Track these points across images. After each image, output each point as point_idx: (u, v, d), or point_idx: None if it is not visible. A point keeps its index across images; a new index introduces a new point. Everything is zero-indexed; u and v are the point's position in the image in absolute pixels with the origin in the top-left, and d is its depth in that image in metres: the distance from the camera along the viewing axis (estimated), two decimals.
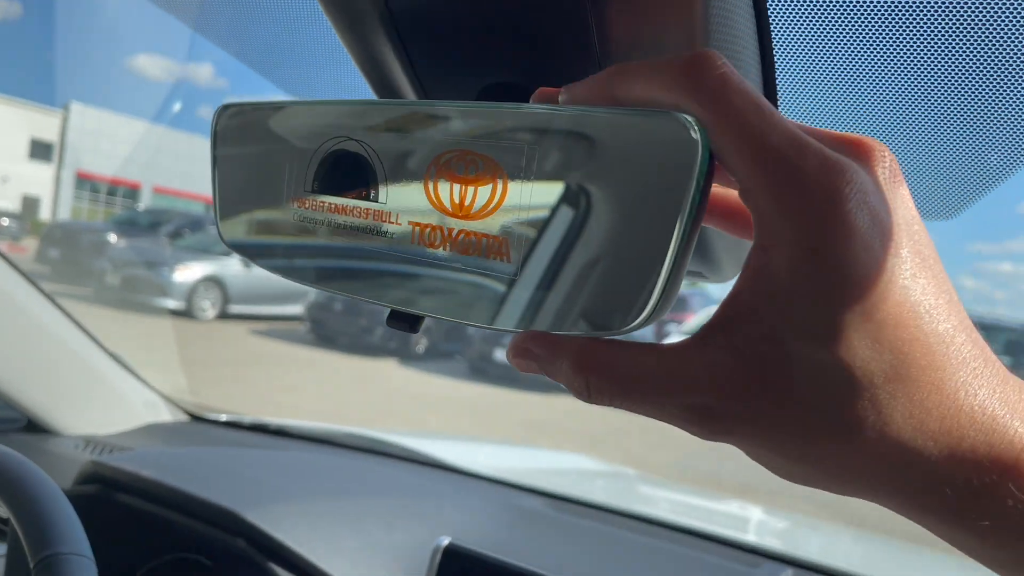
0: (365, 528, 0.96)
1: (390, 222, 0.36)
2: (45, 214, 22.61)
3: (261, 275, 11.17)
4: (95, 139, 23.81)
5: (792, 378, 0.26)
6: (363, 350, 10.06)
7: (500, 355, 9.54)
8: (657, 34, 0.38)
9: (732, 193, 0.34)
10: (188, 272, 10.41)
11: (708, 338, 0.28)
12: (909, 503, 0.28)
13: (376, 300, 0.38)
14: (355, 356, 9.82)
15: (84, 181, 24.03)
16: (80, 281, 10.81)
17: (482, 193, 0.33)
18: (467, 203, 0.33)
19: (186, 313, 10.21)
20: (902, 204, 0.28)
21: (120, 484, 0.98)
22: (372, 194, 0.36)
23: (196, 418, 1.49)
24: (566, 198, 0.31)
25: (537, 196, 0.31)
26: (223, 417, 1.52)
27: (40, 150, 23.70)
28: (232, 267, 10.87)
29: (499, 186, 0.32)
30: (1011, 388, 0.27)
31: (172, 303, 10.14)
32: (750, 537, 1.28)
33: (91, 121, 23.91)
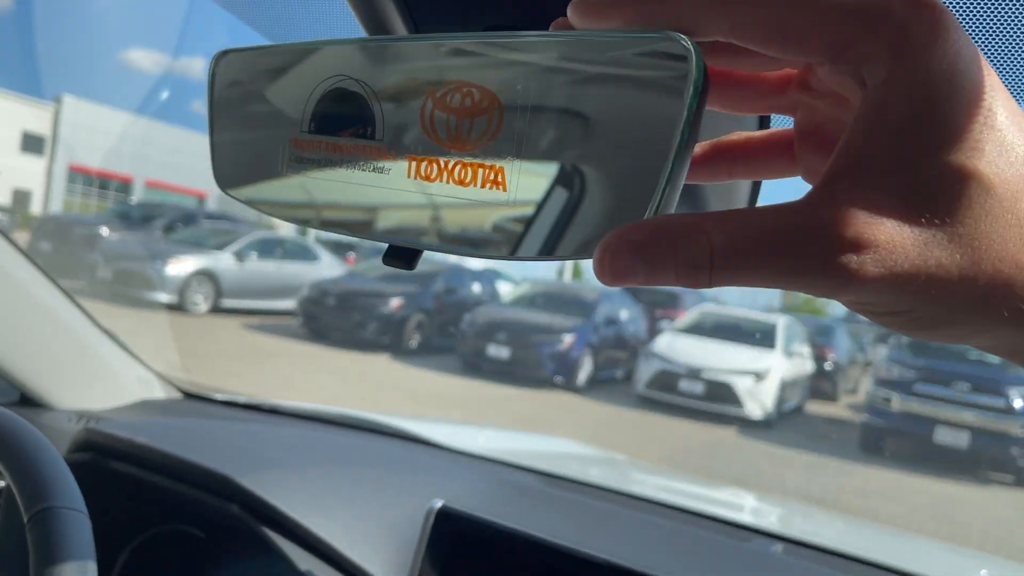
0: (359, 497, 0.96)
1: (387, 158, 0.36)
2: (36, 208, 22.51)
3: (254, 269, 11.16)
4: (87, 133, 23.72)
5: (948, 194, 0.25)
6: (356, 345, 10.04)
7: (493, 350, 9.53)
8: None
9: (755, 136, 0.35)
10: (181, 266, 10.38)
11: (828, 190, 0.26)
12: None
13: (374, 237, 0.38)
14: (347, 351, 9.81)
15: (76, 175, 23.94)
16: (72, 274, 10.77)
17: (478, 124, 0.33)
18: (463, 135, 0.33)
19: (178, 307, 10.19)
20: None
21: (114, 451, 0.98)
22: (369, 131, 0.37)
23: (190, 395, 1.49)
24: (563, 122, 0.31)
25: (534, 122, 0.32)
26: (217, 396, 1.52)
27: (32, 143, 23.59)
28: (225, 261, 10.85)
29: (495, 115, 0.32)
30: None
31: (164, 296, 10.11)
32: (742, 517, 1.28)
33: (83, 114, 23.82)
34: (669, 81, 0.28)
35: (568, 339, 9.58)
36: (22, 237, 12.36)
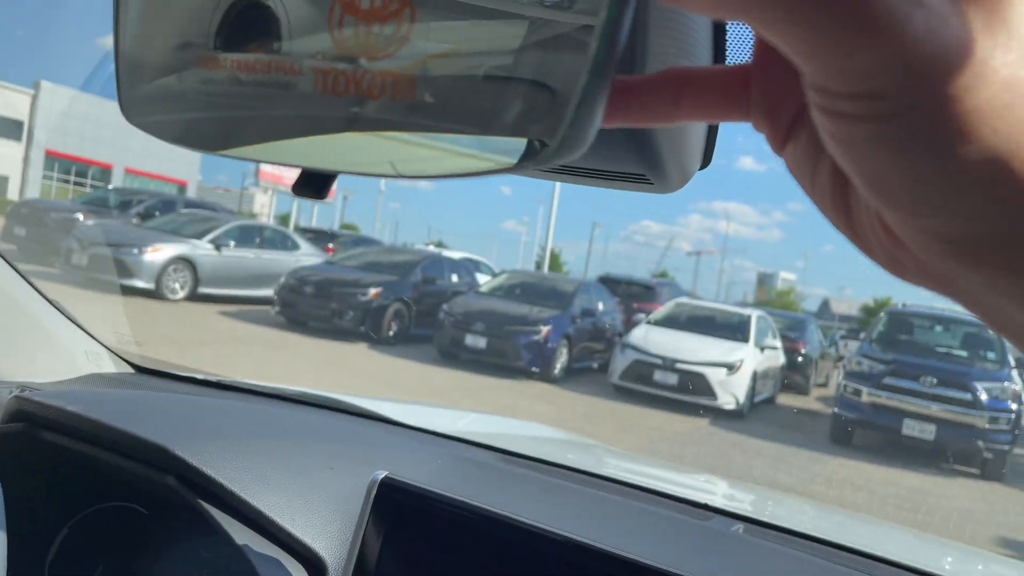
0: (304, 469, 0.93)
1: (294, 72, 0.33)
2: (13, 193, 22.25)
3: (232, 257, 11.09)
4: (66, 119, 23.45)
5: None
6: (333, 334, 10.00)
7: (470, 340, 9.52)
8: None
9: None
10: (158, 253, 10.29)
11: None
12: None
13: (282, 161, 0.35)
14: (325, 339, 9.76)
15: (54, 160, 23.67)
16: (47, 260, 10.65)
17: (388, 28, 0.30)
18: (372, 41, 0.30)
19: (155, 293, 10.10)
20: None
21: (46, 421, 0.94)
22: (275, 44, 0.33)
23: (142, 370, 1.44)
24: (476, 21, 0.29)
25: (448, 25, 0.29)
26: (171, 371, 1.48)
27: (9, 128, 23.28)
28: (203, 248, 10.77)
29: (406, 17, 0.30)
30: None
31: (141, 283, 10.02)
32: (702, 496, 1.26)
33: (62, 100, 23.54)
34: None
35: (545, 330, 9.60)
36: None
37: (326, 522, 0.85)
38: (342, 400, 1.44)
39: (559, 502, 1.10)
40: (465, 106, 0.30)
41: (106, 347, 1.41)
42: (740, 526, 1.13)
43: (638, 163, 0.51)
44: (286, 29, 0.33)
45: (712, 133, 0.51)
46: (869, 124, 0.22)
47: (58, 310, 1.36)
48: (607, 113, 0.28)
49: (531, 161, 0.28)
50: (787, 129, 0.28)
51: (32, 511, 1.04)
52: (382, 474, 0.80)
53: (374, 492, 0.79)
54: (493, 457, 1.26)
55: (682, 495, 1.19)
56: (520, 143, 0.28)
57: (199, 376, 1.50)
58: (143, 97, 0.41)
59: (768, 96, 0.28)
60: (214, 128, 0.38)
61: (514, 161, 0.28)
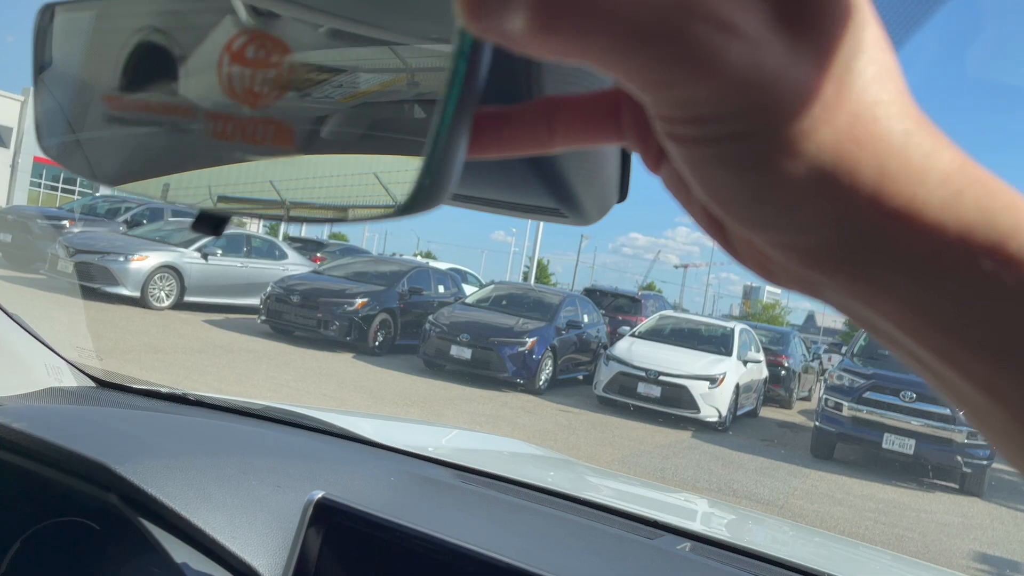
0: (249, 486, 0.94)
1: (190, 117, 0.35)
2: (0, 199, 22.14)
3: (219, 266, 11.06)
4: None
5: (823, 10, 0.23)
6: (319, 343, 9.98)
7: (456, 351, 9.52)
8: None
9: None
10: (144, 260, 10.26)
11: None
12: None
13: (178, 200, 0.37)
14: (311, 349, 9.74)
15: (42, 167, 23.58)
16: (31, 266, 10.60)
17: (269, 76, 0.32)
18: (255, 88, 0.32)
19: (141, 301, 10.06)
20: None
21: None
22: (173, 87, 0.35)
23: (104, 384, 1.45)
24: (350, 70, 0.31)
25: (323, 73, 0.31)
26: (133, 385, 1.49)
27: None
28: (190, 257, 10.74)
29: (285, 67, 0.31)
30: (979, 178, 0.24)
31: (126, 291, 9.98)
32: (653, 512, 1.27)
33: None
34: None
35: (530, 341, 9.61)
36: None
37: (266, 540, 0.86)
38: (305, 415, 1.44)
39: (508, 521, 1.11)
40: (341, 150, 0.32)
41: (67, 361, 1.41)
42: (687, 544, 1.14)
43: (549, 197, 0.52)
44: (183, 74, 0.34)
45: (626, 166, 0.53)
46: (705, 146, 0.23)
47: (17, 323, 1.36)
48: (479, 145, 0.30)
49: (411, 203, 0.29)
50: (658, 150, 0.29)
51: None
52: (319, 494, 0.81)
53: (310, 512, 0.80)
54: (448, 474, 1.27)
55: (631, 510, 1.20)
56: (398, 189, 0.29)
57: (162, 390, 1.51)
58: (53, 127, 0.42)
59: (637, 120, 0.29)
60: (113, 164, 0.39)
61: (394, 205, 0.30)
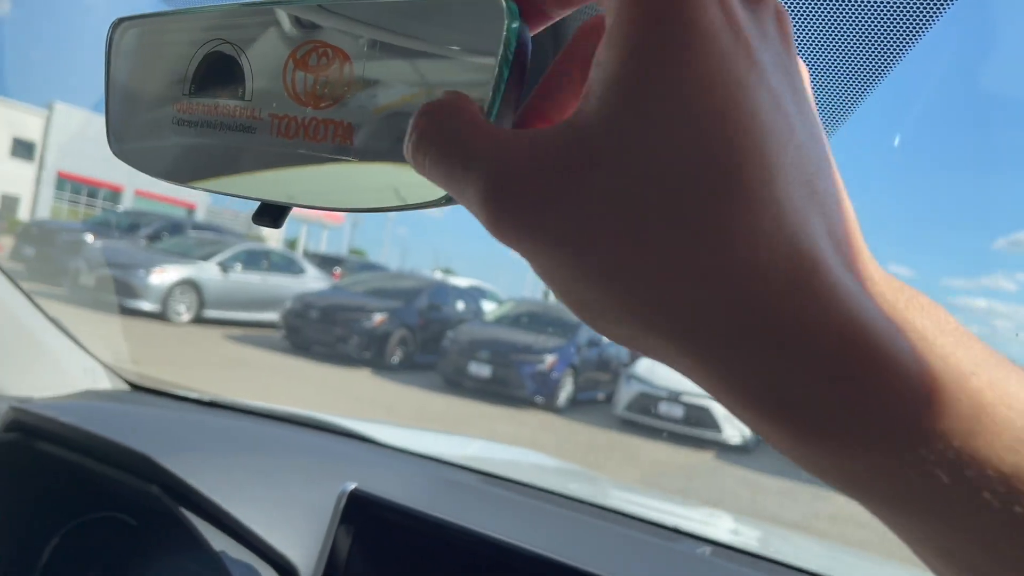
0: (281, 482, 0.97)
1: (254, 117, 0.38)
2: (24, 213, 22.43)
3: (239, 280, 11.14)
4: (79, 140, 23.70)
5: (592, 157, 0.23)
6: (337, 359, 10.01)
7: (475, 368, 9.51)
8: None
9: None
10: (164, 275, 10.35)
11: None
12: (709, 362, 0.22)
13: (243, 194, 0.40)
14: (329, 364, 9.77)
15: (65, 181, 23.88)
16: (54, 280, 10.72)
17: (332, 81, 0.35)
18: (317, 92, 0.36)
19: (161, 315, 10.14)
20: (772, 35, 0.25)
21: (40, 431, 0.98)
22: (240, 92, 0.39)
23: (137, 387, 1.49)
24: (403, 75, 0.34)
25: (379, 78, 0.34)
26: (165, 389, 1.53)
27: (22, 149, 23.53)
28: (210, 271, 10.83)
29: (345, 72, 0.35)
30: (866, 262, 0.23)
31: (147, 305, 10.07)
32: (674, 520, 1.29)
33: (75, 122, 23.80)
34: (490, 16, 0.30)
35: (550, 359, 9.59)
36: (6, 242, 12.31)
37: (299, 531, 0.89)
38: (328, 420, 1.48)
39: (532, 521, 1.14)
40: (394, 147, 0.35)
41: (103, 364, 1.45)
42: (707, 548, 1.16)
43: None
44: (249, 80, 0.38)
45: None
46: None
47: (58, 327, 1.41)
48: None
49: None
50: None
51: (25, 519, 1.08)
52: (351, 485, 0.84)
53: (343, 503, 0.83)
54: (471, 478, 1.30)
55: (651, 517, 1.22)
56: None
57: (192, 395, 1.55)
58: (125, 131, 0.47)
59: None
60: (183, 163, 0.43)
61: (441, 195, 0.33)
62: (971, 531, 0.21)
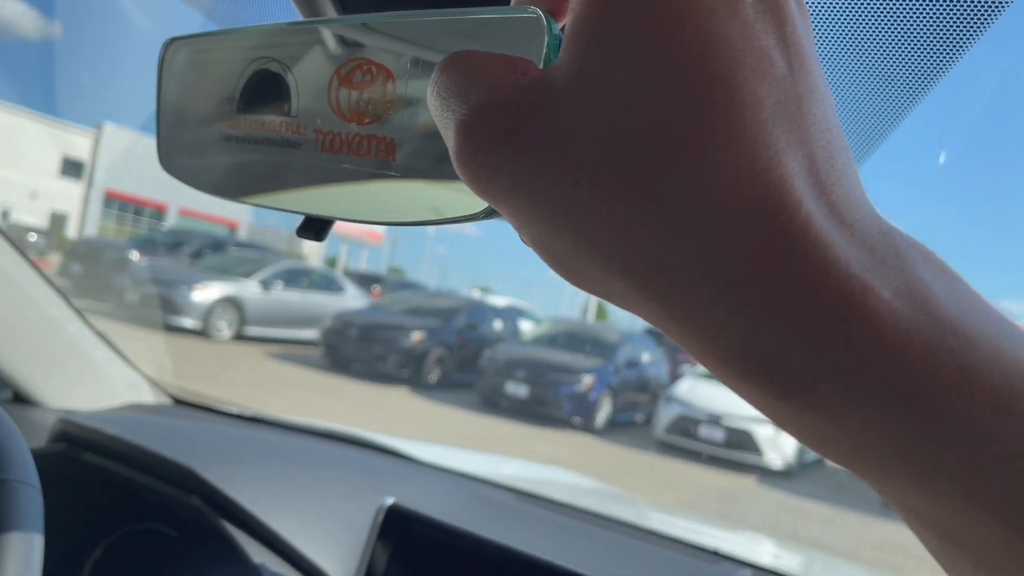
0: (319, 495, 0.98)
1: (300, 133, 0.39)
2: (72, 231, 22.99)
3: (279, 298, 11.28)
4: (126, 159, 24.30)
5: (556, 93, 0.23)
6: (376, 377, 10.07)
7: (512, 388, 9.50)
8: None
9: None
10: (206, 292, 10.51)
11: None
12: (681, 317, 0.22)
13: (288, 208, 0.41)
14: (367, 382, 9.83)
15: (112, 200, 24.47)
16: (100, 296, 10.94)
17: (375, 97, 0.36)
18: (361, 108, 0.37)
19: (202, 332, 10.30)
20: None
21: (86, 442, 1.00)
22: (287, 108, 0.40)
23: (179, 402, 1.51)
24: None
25: (422, 95, 0.35)
26: (206, 403, 1.55)
27: (71, 168, 24.20)
28: (251, 289, 10.98)
29: (389, 89, 0.36)
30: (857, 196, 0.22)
31: (189, 322, 10.23)
32: (714, 542, 1.27)
33: (123, 142, 24.41)
34: (530, 30, 0.31)
35: (587, 380, 9.54)
36: (55, 259, 12.61)
37: (337, 545, 0.90)
38: (366, 437, 1.49)
39: (570, 542, 1.13)
40: (435, 163, 0.36)
41: (147, 378, 1.48)
42: (748, 572, 1.14)
43: None
44: (295, 96, 0.39)
45: None
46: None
47: (105, 342, 1.44)
48: None
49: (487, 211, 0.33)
50: None
51: (70, 529, 1.10)
52: (390, 500, 0.84)
53: (381, 517, 0.83)
54: (508, 496, 1.30)
55: (690, 539, 1.21)
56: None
57: (233, 410, 1.57)
58: (175, 147, 0.48)
59: None
60: (231, 178, 0.44)
61: (480, 209, 0.33)
62: (970, 495, 0.20)
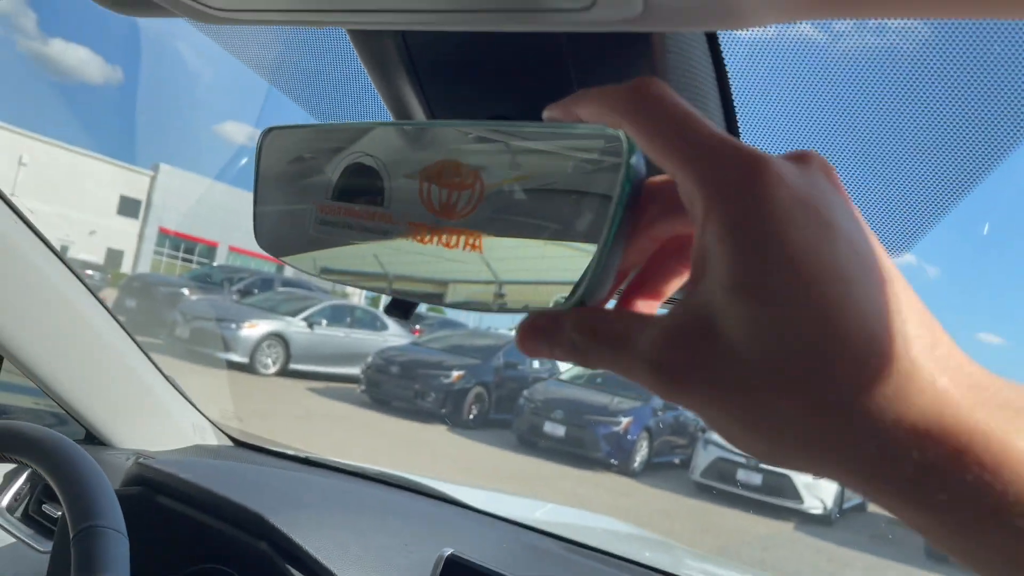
0: (381, 544, 1.03)
1: (392, 223, 0.44)
2: (127, 267, 23.56)
3: (323, 335, 11.40)
4: (180, 199, 24.92)
5: (724, 330, 0.28)
6: (415, 414, 10.10)
7: (550, 427, 9.46)
8: (622, 75, 0.46)
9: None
10: (254, 328, 10.67)
11: (672, 306, 0.32)
12: (859, 472, 0.28)
13: (378, 290, 0.46)
14: (406, 419, 9.87)
15: (165, 237, 25.07)
16: (152, 331, 11.16)
17: (464, 196, 0.40)
18: (451, 204, 0.41)
19: (248, 367, 10.44)
20: (828, 188, 0.30)
21: (161, 486, 1.06)
22: (379, 200, 0.44)
23: (240, 444, 1.57)
24: (528, 198, 0.39)
25: (506, 197, 0.39)
26: (265, 446, 1.61)
27: (128, 206, 24.89)
28: (296, 326, 11.12)
29: (477, 189, 0.40)
30: (963, 372, 0.27)
31: (236, 357, 10.37)
32: None
33: (177, 182, 25.08)
34: (607, 161, 0.35)
35: (625, 421, 9.46)
36: (111, 294, 12.92)
37: None
38: (417, 482, 1.53)
39: None
40: (524, 260, 0.40)
41: (210, 421, 1.55)
42: None
43: None
44: (388, 188, 0.44)
45: None
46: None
47: (172, 385, 1.51)
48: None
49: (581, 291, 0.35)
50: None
51: (143, 570, 1.16)
52: (448, 551, 0.89)
53: (440, 568, 0.88)
54: (557, 546, 1.33)
55: None
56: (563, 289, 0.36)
57: (289, 452, 1.63)
58: (272, 229, 0.53)
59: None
60: (325, 258, 0.49)
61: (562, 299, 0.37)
62: None
